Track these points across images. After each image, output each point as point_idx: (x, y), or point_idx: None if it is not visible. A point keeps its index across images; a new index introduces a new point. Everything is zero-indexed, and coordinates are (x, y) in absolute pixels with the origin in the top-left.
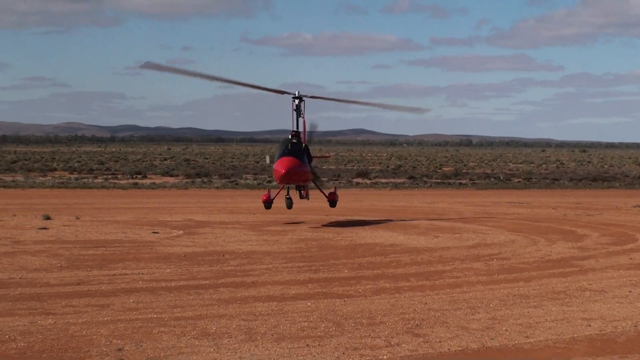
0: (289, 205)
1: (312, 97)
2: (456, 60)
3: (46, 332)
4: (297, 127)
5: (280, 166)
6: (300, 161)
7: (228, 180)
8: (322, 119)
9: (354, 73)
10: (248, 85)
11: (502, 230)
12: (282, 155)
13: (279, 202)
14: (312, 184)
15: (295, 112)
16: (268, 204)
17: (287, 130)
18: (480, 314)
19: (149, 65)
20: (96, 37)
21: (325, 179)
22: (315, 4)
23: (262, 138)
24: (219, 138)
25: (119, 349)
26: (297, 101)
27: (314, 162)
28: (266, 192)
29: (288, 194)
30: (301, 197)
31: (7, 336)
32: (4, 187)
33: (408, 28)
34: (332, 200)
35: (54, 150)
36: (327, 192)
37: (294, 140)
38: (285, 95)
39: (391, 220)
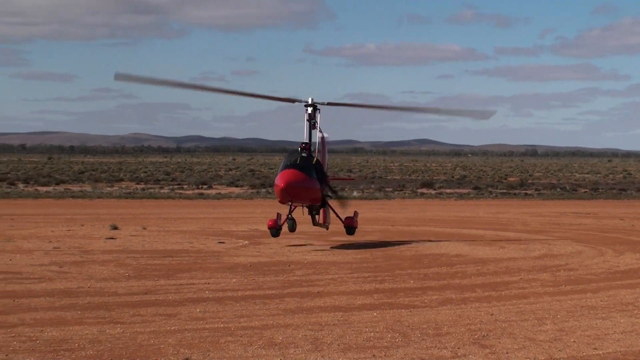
0: (292, 227)
1: (328, 103)
2: (521, 69)
3: (115, 340)
4: (310, 138)
5: (280, 179)
6: (307, 176)
7: None
8: (387, 129)
9: (418, 83)
10: (253, 96)
11: (569, 241)
12: (284, 167)
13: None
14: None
15: (308, 123)
16: (274, 230)
17: (346, 142)
18: (547, 325)
19: (120, 77)
20: (162, 49)
21: (348, 203)
22: (379, 14)
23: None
24: (283, 148)
25: (187, 358)
26: (310, 109)
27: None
28: (274, 217)
29: (291, 213)
30: (314, 222)
31: (76, 344)
32: (72, 197)
33: (472, 38)
34: (349, 227)
35: (121, 160)
36: (344, 216)
37: (303, 154)
38: (297, 104)
39: (456, 230)
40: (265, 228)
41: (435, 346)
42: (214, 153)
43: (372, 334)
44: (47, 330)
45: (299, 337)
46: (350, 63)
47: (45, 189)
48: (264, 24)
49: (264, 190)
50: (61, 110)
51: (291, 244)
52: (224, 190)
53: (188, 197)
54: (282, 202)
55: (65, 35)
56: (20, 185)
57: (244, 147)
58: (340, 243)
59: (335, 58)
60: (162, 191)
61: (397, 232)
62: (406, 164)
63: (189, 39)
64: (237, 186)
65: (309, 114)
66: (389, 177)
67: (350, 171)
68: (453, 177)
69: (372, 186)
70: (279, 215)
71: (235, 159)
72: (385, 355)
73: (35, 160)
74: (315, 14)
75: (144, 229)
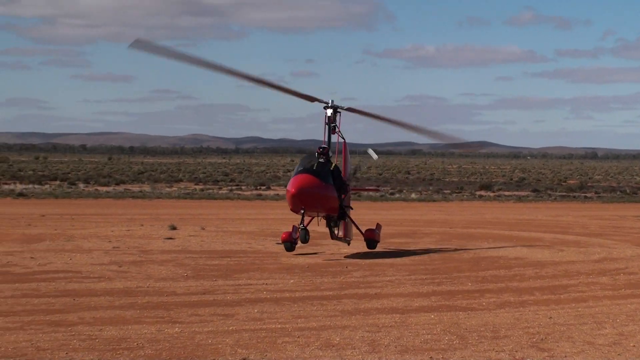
0: (304, 238)
1: (348, 109)
2: (581, 72)
3: (173, 340)
4: (329, 143)
5: (292, 185)
6: (322, 182)
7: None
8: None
9: (477, 85)
10: (275, 87)
11: (629, 245)
12: (298, 172)
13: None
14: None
15: (327, 126)
16: (289, 244)
17: (404, 143)
18: (606, 329)
19: (138, 45)
20: (221, 50)
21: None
22: (438, 16)
23: (384, 150)
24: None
25: (244, 359)
26: (329, 112)
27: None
28: (289, 229)
29: (302, 222)
30: (333, 236)
31: (135, 344)
32: (132, 197)
33: (532, 40)
34: (370, 240)
35: (180, 161)
36: (365, 228)
37: (320, 159)
38: (317, 103)
39: (515, 233)
40: (322, 229)
41: (493, 349)
42: (273, 154)
43: (429, 336)
44: (107, 329)
45: (356, 338)
46: (409, 65)
47: (105, 189)
48: (323, 26)
49: None
50: (121, 111)
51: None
52: (282, 191)
53: (246, 198)
54: (293, 210)
55: (126, 36)
56: (81, 185)
57: (302, 149)
58: (396, 245)
59: (394, 60)
60: (220, 192)
61: (455, 234)
62: (465, 166)
63: (248, 40)
64: None
65: (329, 116)
66: (447, 179)
67: (409, 173)
68: (512, 179)
69: (430, 188)
70: (294, 227)
71: (293, 160)
72: (442, 357)
73: (96, 160)
74: (375, 16)
75: (203, 229)
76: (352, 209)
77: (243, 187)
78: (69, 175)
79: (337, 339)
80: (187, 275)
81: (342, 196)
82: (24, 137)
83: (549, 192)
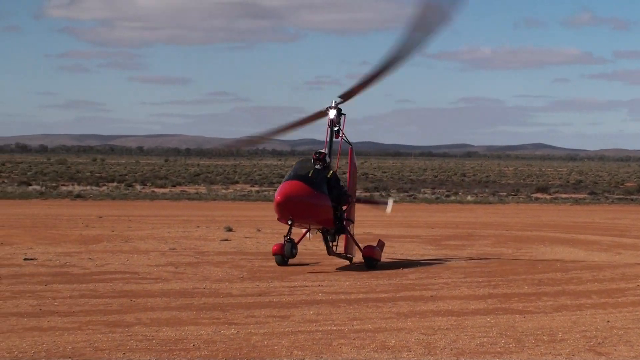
0: (289, 252)
1: (342, 96)
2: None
3: (229, 341)
4: (329, 149)
5: (279, 192)
6: (314, 190)
7: (406, 194)
8: (501, 133)
9: (533, 87)
10: (289, 127)
11: None
12: (288, 178)
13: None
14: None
15: (329, 129)
16: (280, 257)
17: (460, 146)
18: None
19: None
20: (277, 52)
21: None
22: (494, 18)
23: (440, 152)
24: (397, 152)
25: None
26: (332, 113)
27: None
28: (281, 241)
29: (289, 234)
30: (329, 252)
31: (191, 344)
32: (188, 199)
33: (589, 41)
34: (369, 258)
35: (236, 163)
36: (364, 245)
37: (317, 166)
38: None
39: (572, 236)
40: (378, 231)
41: (550, 352)
42: None
43: (485, 339)
44: (163, 330)
45: (411, 340)
46: (464, 67)
47: (161, 190)
48: (379, 28)
49: (377, 193)
50: (178, 113)
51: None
52: None
53: (375, 202)
54: (280, 220)
55: (183, 39)
56: (138, 187)
57: (357, 151)
58: (452, 248)
59: (449, 62)
60: None
61: (511, 237)
62: (521, 168)
63: (305, 42)
64: None
65: (331, 119)
66: (503, 182)
67: (464, 175)
68: (568, 182)
69: (486, 190)
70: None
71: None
72: None
73: (152, 162)
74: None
75: (259, 231)
76: (352, 222)
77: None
78: (126, 177)
79: (393, 342)
80: (243, 276)
81: (341, 207)
82: (82, 139)
83: (606, 194)
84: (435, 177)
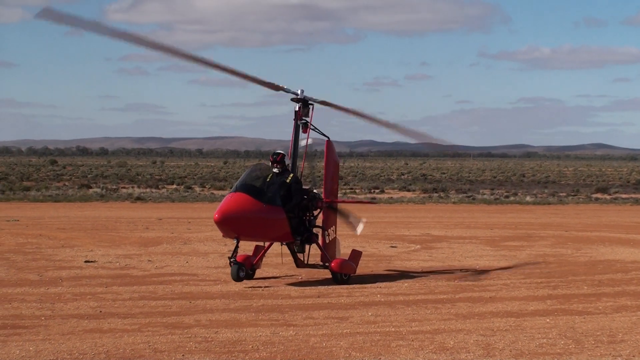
0: (235, 275)
1: (321, 102)
2: None
3: (287, 343)
4: (294, 145)
5: (218, 209)
6: (262, 204)
7: (465, 195)
8: (561, 133)
9: (594, 86)
10: (234, 74)
11: None
12: (232, 190)
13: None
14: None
15: (295, 122)
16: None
17: (519, 146)
18: None
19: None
20: (336, 54)
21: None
22: (554, 17)
23: (499, 153)
24: (456, 153)
25: None
26: (298, 105)
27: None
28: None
29: (235, 254)
30: (299, 264)
31: (250, 346)
32: None
33: None
34: (337, 274)
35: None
36: (337, 258)
37: (275, 170)
38: (284, 93)
39: (632, 237)
40: (437, 232)
41: (610, 354)
42: (387, 157)
43: (544, 340)
44: (222, 332)
45: (470, 342)
46: (524, 67)
47: (220, 192)
48: (438, 29)
49: (435, 194)
50: (237, 115)
51: (464, 253)
52: (396, 194)
53: (360, 202)
54: (225, 237)
55: (242, 42)
56: (197, 189)
57: (416, 152)
58: (511, 249)
59: (509, 62)
60: None
61: (571, 237)
62: (580, 168)
63: (363, 43)
64: (409, 190)
65: (296, 111)
66: (562, 182)
67: (523, 176)
68: (629, 182)
69: (545, 191)
70: (257, 248)
71: (407, 164)
72: None
73: (212, 164)
74: (490, 18)
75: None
76: (328, 228)
77: (357, 191)
78: (186, 179)
79: (452, 343)
80: (301, 278)
81: (306, 216)
82: (142, 141)
83: None
84: (494, 178)
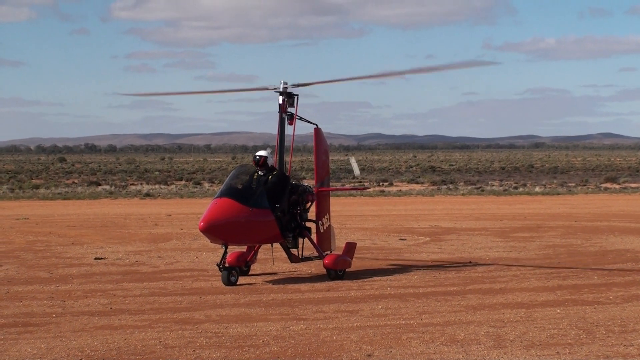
0: (226, 280)
1: (306, 84)
2: None
3: (298, 337)
4: (281, 141)
5: (203, 216)
6: (249, 208)
7: (474, 186)
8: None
9: (600, 76)
10: (224, 92)
11: None
12: (217, 195)
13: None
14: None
15: (280, 115)
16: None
17: (527, 137)
18: None
19: None
20: (342, 48)
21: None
22: (559, 7)
23: (506, 144)
24: (464, 145)
25: (369, 355)
26: (282, 98)
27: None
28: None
29: (224, 260)
30: (293, 259)
31: (261, 341)
32: None
33: None
34: (331, 270)
35: (303, 159)
36: (331, 254)
37: (259, 172)
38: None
39: None
40: (446, 224)
41: (621, 343)
42: (395, 150)
43: (555, 330)
44: (233, 327)
45: (481, 333)
46: (529, 58)
47: None
48: (444, 21)
49: (444, 187)
50: (245, 110)
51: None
52: (405, 187)
53: (369, 195)
54: (214, 243)
55: (248, 37)
56: (206, 185)
57: (424, 144)
58: (521, 240)
59: (514, 53)
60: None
61: (580, 227)
62: (589, 158)
63: (369, 37)
64: (417, 183)
65: (279, 103)
66: (571, 172)
67: (532, 166)
68: (638, 171)
69: (554, 181)
70: (249, 249)
71: (415, 156)
72: (569, 352)
73: (220, 160)
74: (495, 10)
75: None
76: (320, 219)
77: (365, 184)
78: (194, 175)
79: (462, 335)
80: (311, 272)
81: (302, 207)
82: (150, 138)
83: None
84: (503, 168)
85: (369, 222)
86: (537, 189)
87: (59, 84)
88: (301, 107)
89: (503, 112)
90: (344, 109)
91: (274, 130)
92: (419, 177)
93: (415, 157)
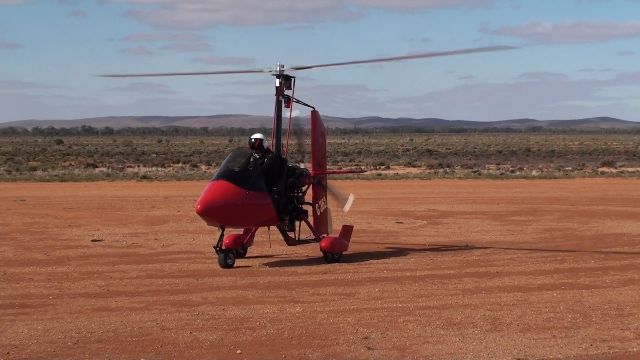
0: (222, 262)
1: (304, 67)
2: None
3: (295, 319)
4: (277, 123)
5: (200, 199)
6: (246, 190)
7: (470, 170)
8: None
9: (597, 61)
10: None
11: None
12: (213, 178)
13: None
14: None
15: (276, 98)
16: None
17: (524, 121)
18: None
19: None
20: (339, 31)
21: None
22: None
23: (503, 127)
24: (461, 128)
25: (365, 337)
26: (278, 81)
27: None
28: (238, 233)
29: (221, 242)
30: (290, 242)
31: (257, 323)
32: None
33: None
34: (328, 253)
35: (300, 142)
36: (328, 237)
37: (256, 155)
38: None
39: (639, 210)
40: (443, 208)
41: (618, 327)
42: (392, 134)
43: (552, 314)
44: (229, 309)
45: (477, 317)
46: (526, 42)
47: None
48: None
49: (441, 170)
50: (242, 93)
51: (467, 227)
52: (402, 170)
53: (366, 178)
54: (210, 225)
55: (245, 20)
56: (203, 168)
57: (421, 128)
58: (518, 223)
59: (511, 37)
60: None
61: (577, 211)
62: (586, 142)
63: (366, 21)
64: (414, 166)
65: (277, 86)
66: (568, 156)
67: (529, 150)
68: (635, 155)
69: (551, 165)
70: (246, 232)
71: (412, 140)
72: (565, 335)
73: (217, 142)
74: None
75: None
76: (317, 202)
77: (362, 167)
78: (191, 157)
79: (459, 318)
80: (307, 255)
81: (299, 190)
82: (147, 120)
83: None
84: (500, 152)
85: (366, 205)
86: (534, 172)
87: (56, 67)
88: (299, 90)
89: (500, 95)
90: (340, 92)
91: (271, 113)
92: (416, 160)
93: (412, 140)
